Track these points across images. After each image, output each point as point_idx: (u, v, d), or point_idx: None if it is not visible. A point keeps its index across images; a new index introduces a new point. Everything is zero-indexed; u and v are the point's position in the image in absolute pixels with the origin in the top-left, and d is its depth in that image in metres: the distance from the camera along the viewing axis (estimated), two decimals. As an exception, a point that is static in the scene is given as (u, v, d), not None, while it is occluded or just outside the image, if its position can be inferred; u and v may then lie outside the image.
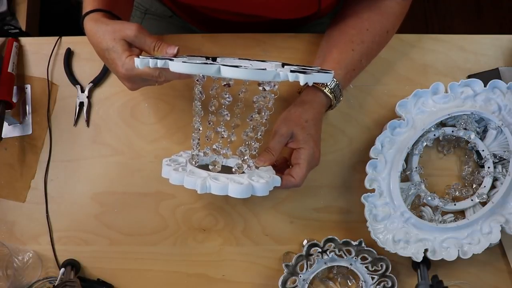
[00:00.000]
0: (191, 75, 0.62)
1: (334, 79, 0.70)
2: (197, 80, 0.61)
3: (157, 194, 0.75)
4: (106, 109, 0.79)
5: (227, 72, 0.51)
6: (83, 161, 0.77)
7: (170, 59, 0.55)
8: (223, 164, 0.68)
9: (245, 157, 0.64)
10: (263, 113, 0.62)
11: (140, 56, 0.57)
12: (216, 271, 0.73)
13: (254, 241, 0.74)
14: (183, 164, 0.66)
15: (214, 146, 0.65)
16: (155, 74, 0.59)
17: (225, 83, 0.60)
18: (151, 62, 0.54)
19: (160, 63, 0.54)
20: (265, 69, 0.53)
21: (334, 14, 0.95)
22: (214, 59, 0.66)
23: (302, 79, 0.51)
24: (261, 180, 0.61)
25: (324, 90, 0.70)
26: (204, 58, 0.67)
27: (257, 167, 0.65)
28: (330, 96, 0.70)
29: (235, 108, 0.64)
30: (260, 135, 0.64)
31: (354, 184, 0.76)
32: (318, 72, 0.55)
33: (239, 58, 0.67)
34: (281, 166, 0.70)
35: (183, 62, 0.52)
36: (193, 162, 0.66)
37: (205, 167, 0.65)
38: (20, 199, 0.75)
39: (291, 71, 0.53)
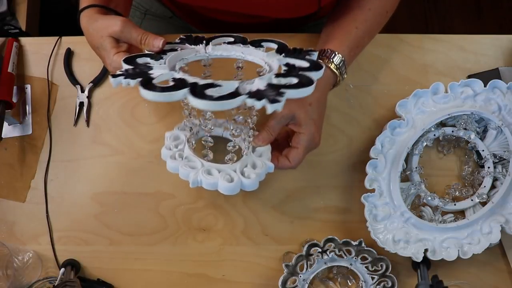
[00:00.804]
0: (183, 68, 0.62)
1: (340, 55, 0.69)
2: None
3: (157, 194, 0.75)
4: (106, 109, 0.79)
5: (193, 101, 0.49)
6: (83, 161, 0.77)
7: (146, 76, 0.53)
8: (223, 136, 0.69)
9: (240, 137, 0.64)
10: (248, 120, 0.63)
11: (125, 62, 0.56)
12: (216, 271, 0.73)
13: (254, 241, 0.74)
14: (182, 145, 0.65)
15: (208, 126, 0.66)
16: None
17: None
18: (124, 82, 0.53)
19: (132, 83, 0.52)
20: (235, 96, 0.49)
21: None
22: (208, 42, 0.65)
23: (269, 108, 0.48)
24: (252, 174, 0.60)
25: (330, 67, 0.69)
26: (193, 43, 0.65)
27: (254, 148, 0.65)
28: (336, 72, 0.70)
29: None
30: (253, 124, 0.65)
31: (354, 184, 0.76)
32: (299, 82, 0.51)
33: (234, 40, 0.66)
34: (282, 141, 0.70)
35: (153, 92, 0.49)
36: (190, 145, 0.66)
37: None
38: (20, 199, 0.75)
39: (261, 97, 0.49)
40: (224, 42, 0.64)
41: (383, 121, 0.77)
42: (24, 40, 0.83)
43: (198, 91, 0.49)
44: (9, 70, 0.78)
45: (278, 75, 0.52)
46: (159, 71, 0.55)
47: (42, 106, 0.79)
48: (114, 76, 0.53)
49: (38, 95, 0.80)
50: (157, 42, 0.60)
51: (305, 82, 0.51)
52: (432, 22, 1.78)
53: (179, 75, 0.54)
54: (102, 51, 0.62)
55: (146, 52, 0.61)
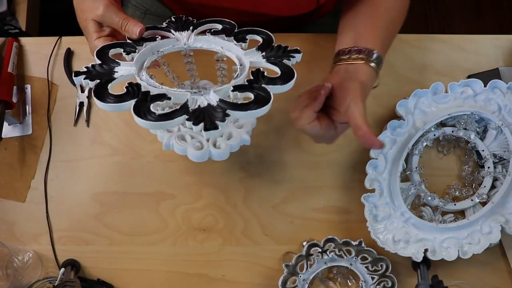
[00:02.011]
0: (157, 61, 0.62)
1: (375, 52, 0.64)
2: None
3: (157, 194, 0.75)
4: (106, 109, 0.79)
5: (134, 117, 0.49)
6: (83, 161, 0.77)
7: (108, 76, 0.54)
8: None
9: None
10: None
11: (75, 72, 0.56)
12: (216, 271, 0.73)
13: (254, 241, 0.74)
14: (167, 109, 0.66)
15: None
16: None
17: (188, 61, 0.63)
18: (84, 82, 0.54)
19: (91, 84, 0.53)
20: (174, 116, 0.49)
21: (335, 14, 0.95)
22: (194, 28, 0.65)
23: (205, 135, 0.48)
24: (222, 144, 0.59)
25: (371, 65, 0.63)
26: (180, 28, 0.65)
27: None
28: (378, 70, 0.64)
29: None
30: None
31: (354, 184, 0.76)
32: (251, 102, 0.50)
33: (221, 27, 0.65)
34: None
35: (101, 102, 0.50)
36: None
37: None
38: (20, 199, 0.75)
39: (201, 119, 0.48)
40: (209, 31, 0.64)
41: (383, 121, 0.77)
42: (24, 40, 0.83)
43: (143, 105, 0.49)
44: (9, 70, 0.78)
45: (236, 87, 0.52)
46: (123, 70, 0.55)
47: (42, 106, 0.79)
48: (77, 74, 0.54)
49: (38, 95, 0.80)
50: (136, 29, 0.59)
51: (259, 101, 0.50)
52: (432, 22, 1.78)
53: (140, 78, 0.54)
54: (86, 34, 0.61)
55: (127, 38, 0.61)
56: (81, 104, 0.79)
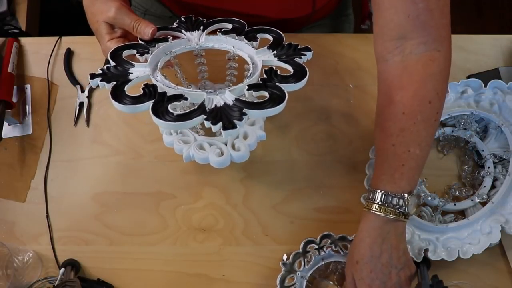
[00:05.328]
0: (170, 61, 0.63)
1: (378, 191, 0.59)
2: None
3: (157, 194, 0.75)
4: (106, 109, 0.79)
5: (152, 118, 0.49)
6: (83, 161, 0.77)
7: (123, 78, 0.54)
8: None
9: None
10: None
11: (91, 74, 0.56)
12: (216, 271, 0.73)
13: (254, 241, 0.74)
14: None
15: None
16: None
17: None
18: (100, 84, 0.54)
19: (107, 86, 0.53)
20: (193, 116, 0.49)
21: (336, 15, 0.96)
22: (205, 28, 0.65)
23: (224, 134, 0.48)
24: (242, 146, 0.60)
25: (372, 210, 0.59)
26: (191, 28, 0.65)
27: None
28: (381, 214, 0.58)
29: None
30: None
31: (354, 184, 0.76)
32: (266, 101, 0.50)
33: (232, 27, 0.65)
34: None
35: (119, 104, 0.50)
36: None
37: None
38: (20, 199, 0.75)
39: (219, 118, 0.48)
40: (220, 31, 0.64)
41: (383, 121, 0.77)
42: (24, 40, 0.83)
43: (160, 106, 0.50)
44: (9, 70, 0.78)
45: (251, 86, 0.52)
46: (138, 71, 0.56)
47: (42, 106, 0.79)
48: (93, 76, 0.54)
49: (38, 95, 0.80)
50: (147, 30, 0.59)
51: (274, 99, 0.50)
52: (432, 22, 1.78)
53: (155, 79, 0.54)
54: (98, 35, 0.61)
55: (139, 39, 0.61)
56: (81, 104, 0.79)
